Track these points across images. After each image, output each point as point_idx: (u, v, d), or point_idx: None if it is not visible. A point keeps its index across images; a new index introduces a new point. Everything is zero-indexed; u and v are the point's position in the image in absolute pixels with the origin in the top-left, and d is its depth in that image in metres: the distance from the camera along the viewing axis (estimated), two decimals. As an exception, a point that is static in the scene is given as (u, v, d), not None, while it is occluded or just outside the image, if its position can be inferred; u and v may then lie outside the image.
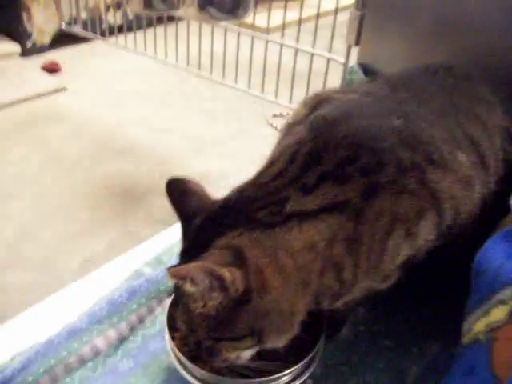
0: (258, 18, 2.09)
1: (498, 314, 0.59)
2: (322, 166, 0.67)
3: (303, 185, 0.66)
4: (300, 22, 1.81)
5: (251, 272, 0.60)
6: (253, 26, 2.02)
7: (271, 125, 2.52)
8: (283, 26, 1.84)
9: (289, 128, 0.84)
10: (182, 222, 0.70)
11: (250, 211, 0.64)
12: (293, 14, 1.96)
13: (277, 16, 1.97)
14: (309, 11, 2.08)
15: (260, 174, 0.71)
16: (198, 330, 0.64)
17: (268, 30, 1.97)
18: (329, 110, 0.78)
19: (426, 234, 0.70)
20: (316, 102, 0.84)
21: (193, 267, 0.58)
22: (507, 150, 0.86)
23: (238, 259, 0.60)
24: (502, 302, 0.59)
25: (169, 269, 0.58)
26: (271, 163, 0.72)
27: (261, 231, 0.63)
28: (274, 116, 2.52)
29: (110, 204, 2.11)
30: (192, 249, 0.66)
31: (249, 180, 0.70)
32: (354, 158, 0.67)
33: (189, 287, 0.60)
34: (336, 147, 0.68)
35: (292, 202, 0.64)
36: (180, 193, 0.70)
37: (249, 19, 1.83)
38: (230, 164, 2.29)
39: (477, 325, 0.62)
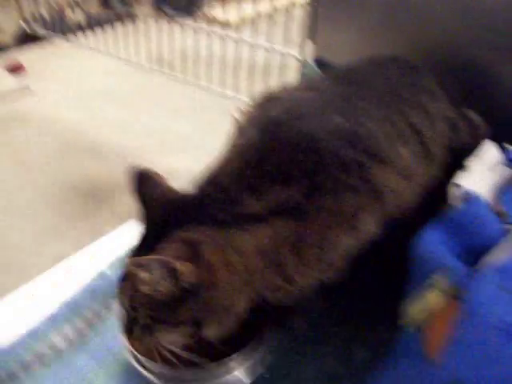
0: (220, 11, 2.09)
1: (430, 298, 0.62)
2: (269, 169, 0.69)
3: (255, 188, 0.68)
4: (257, 16, 1.83)
5: (204, 268, 0.63)
6: (212, 20, 2.03)
7: (236, 119, 2.53)
8: (242, 22, 1.85)
9: (240, 128, 0.86)
10: (143, 210, 0.72)
11: (209, 208, 0.67)
12: (256, 7, 1.97)
13: (240, 9, 1.97)
14: (275, 3, 2.07)
15: (214, 173, 0.73)
16: (140, 308, 0.66)
17: (229, 25, 1.98)
18: (274, 110, 0.80)
19: (369, 227, 0.73)
20: (264, 102, 0.86)
21: (152, 259, 0.61)
22: (452, 139, 0.89)
23: (195, 254, 0.63)
24: (434, 286, 0.62)
25: (129, 257, 0.63)
26: (225, 163, 0.74)
27: (218, 229, 0.65)
28: (240, 111, 2.53)
29: (77, 204, 2.11)
30: (150, 237, 0.68)
31: (206, 176, 0.73)
32: (296, 160, 0.69)
33: (142, 274, 0.62)
34: (280, 150, 0.70)
35: (246, 204, 0.67)
36: (144, 183, 0.72)
37: (209, 13, 1.84)
38: (195, 159, 2.29)
39: (412, 309, 0.65)
